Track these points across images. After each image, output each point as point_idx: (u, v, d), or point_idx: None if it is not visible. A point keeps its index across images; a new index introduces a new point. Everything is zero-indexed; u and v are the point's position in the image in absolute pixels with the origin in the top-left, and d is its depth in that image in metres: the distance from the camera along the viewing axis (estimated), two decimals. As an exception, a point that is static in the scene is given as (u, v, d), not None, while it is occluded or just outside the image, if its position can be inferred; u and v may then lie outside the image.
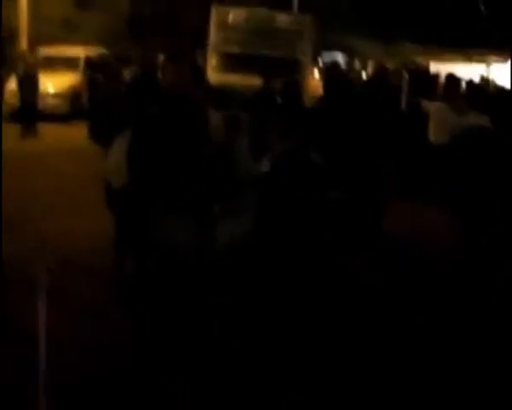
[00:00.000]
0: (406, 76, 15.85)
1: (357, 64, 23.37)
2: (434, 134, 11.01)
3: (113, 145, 6.73)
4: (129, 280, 6.22)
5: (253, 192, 6.57)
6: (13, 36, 22.33)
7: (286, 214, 6.39)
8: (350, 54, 30.14)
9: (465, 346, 5.94)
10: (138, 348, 5.45)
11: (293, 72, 15.74)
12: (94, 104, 13.95)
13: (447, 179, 9.21)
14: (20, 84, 17.24)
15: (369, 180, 7.62)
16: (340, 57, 24.96)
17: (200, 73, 12.12)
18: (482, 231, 7.59)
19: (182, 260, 5.49)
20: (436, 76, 14.69)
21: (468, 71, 18.47)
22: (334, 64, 13.93)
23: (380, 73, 13.29)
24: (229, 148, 6.77)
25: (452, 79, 12.93)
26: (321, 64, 22.98)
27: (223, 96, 13.50)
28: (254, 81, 14.96)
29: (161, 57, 18.44)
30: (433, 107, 11.44)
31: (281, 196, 6.47)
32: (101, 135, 7.12)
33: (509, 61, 21.95)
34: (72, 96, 19.29)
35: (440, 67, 21.90)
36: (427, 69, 22.24)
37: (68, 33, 26.96)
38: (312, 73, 19.67)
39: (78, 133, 14.82)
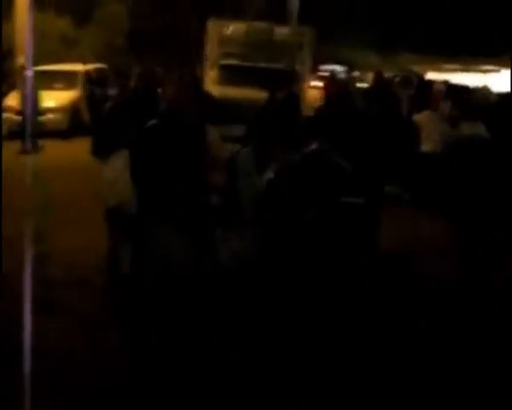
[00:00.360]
0: (403, 86, 15.82)
1: (355, 75, 23.33)
2: (424, 143, 11.10)
3: (108, 163, 6.65)
4: (126, 297, 6.38)
5: (258, 206, 6.52)
6: (12, 52, 22.21)
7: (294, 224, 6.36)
8: (348, 66, 30.13)
9: (468, 352, 6.02)
10: (135, 361, 5.54)
11: (292, 83, 15.66)
12: (95, 119, 13.89)
13: (439, 187, 9.28)
14: (20, 100, 17.17)
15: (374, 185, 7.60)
16: (338, 69, 24.91)
17: (200, 87, 12.14)
18: (477, 237, 7.59)
19: (180, 278, 5.53)
20: (431, 85, 14.66)
21: (467, 80, 18.42)
22: (333, 74, 13.85)
23: (378, 82, 13.24)
24: (232, 162, 6.72)
25: (441, 87, 12.99)
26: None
27: (225, 109, 13.58)
28: (254, 94, 14.94)
29: (161, 72, 18.42)
30: (422, 116, 11.53)
31: (287, 205, 6.44)
32: (104, 151, 7.02)
33: (508, 70, 21.90)
34: (72, 111, 19.22)
35: (438, 77, 21.88)
36: (422, 78, 22.25)
37: (67, 49, 26.96)
38: (312, 84, 19.61)
39: (79, 149, 14.72)
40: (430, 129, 11.24)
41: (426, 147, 11.21)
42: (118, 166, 6.30)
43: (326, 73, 17.13)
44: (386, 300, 7.11)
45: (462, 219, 7.92)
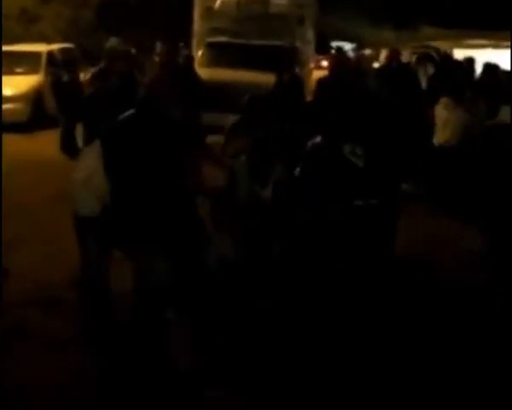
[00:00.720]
0: (428, 66, 15.84)
1: (367, 53, 23.37)
2: (441, 135, 11.06)
3: (79, 160, 6.63)
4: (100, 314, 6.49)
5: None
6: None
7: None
8: (357, 43, 30.22)
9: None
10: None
11: (293, 63, 15.50)
12: (62, 109, 13.79)
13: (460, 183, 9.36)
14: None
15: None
16: (347, 47, 24.94)
17: (189, 69, 12.17)
18: (505, 240, 7.84)
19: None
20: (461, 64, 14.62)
21: (499, 57, 18.41)
22: (340, 51, 13.86)
23: (393, 61, 13.20)
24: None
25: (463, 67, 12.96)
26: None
27: (217, 95, 13.55)
28: (248, 76, 14.90)
29: (136, 51, 18.44)
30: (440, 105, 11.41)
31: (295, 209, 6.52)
32: (75, 147, 7.01)
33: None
34: (34, 99, 19.15)
35: (464, 54, 21.89)
36: (448, 56, 22.28)
37: (27, 26, 26.94)
38: (318, 64, 19.57)
39: (43, 144, 14.75)
40: (449, 118, 11.15)
41: (440, 138, 11.17)
42: (91, 163, 6.28)
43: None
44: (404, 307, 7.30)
45: (489, 221, 8.01)
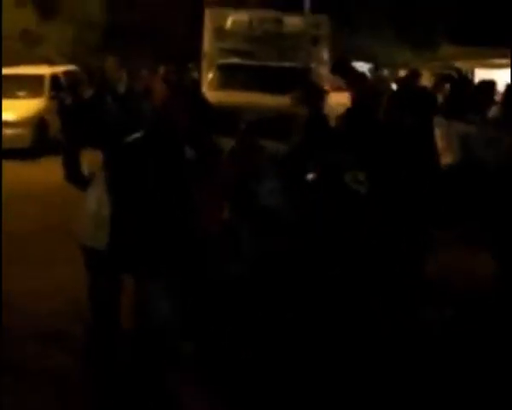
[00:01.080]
0: (447, 86, 15.74)
1: (385, 73, 23.33)
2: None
3: (89, 191, 6.57)
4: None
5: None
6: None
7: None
8: (374, 63, 30.17)
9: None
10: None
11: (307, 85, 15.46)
12: (67, 134, 13.69)
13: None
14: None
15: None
16: (365, 68, 24.87)
17: (197, 92, 12.16)
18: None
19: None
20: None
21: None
22: (364, 77, 13.79)
23: (412, 83, 13.12)
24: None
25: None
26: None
27: (227, 118, 13.47)
28: (259, 99, 14.86)
29: (145, 73, 18.43)
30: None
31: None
32: (82, 175, 6.96)
33: None
34: (37, 124, 19.14)
35: (487, 74, 21.84)
36: (469, 78, 22.24)
37: (30, 47, 27.01)
38: (336, 86, 19.44)
39: (46, 172, 14.69)
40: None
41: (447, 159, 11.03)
42: (100, 195, 6.20)
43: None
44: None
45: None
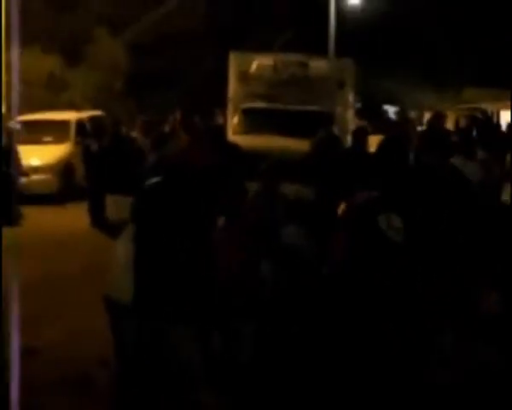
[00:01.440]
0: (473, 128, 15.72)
1: (412, 115, 23.37)
2: None
3: (121, 239, 6.55)
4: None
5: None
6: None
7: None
8: (399, 105, 30.22)
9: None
10: None
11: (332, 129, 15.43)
12: (92, 180, 13.77)
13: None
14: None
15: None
16: (391, 111, 24.89)
17: (222, 137, 12.17)
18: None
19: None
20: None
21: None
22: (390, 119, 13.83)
23: (438, 126, 13.10)
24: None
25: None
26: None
27: (252, 163, 13.48)
28: (282, 143, 14.84)
29: (171, 118, 18.54)
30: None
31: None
32: (104, 219, 6.96)
33: None
34: (63, 170, 19.24)
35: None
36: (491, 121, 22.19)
37: (56, 93, 27.17)
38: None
39: (72, 217, 14.76)
40: None
41: None
42: (129, 246, 6.12)
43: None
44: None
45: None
